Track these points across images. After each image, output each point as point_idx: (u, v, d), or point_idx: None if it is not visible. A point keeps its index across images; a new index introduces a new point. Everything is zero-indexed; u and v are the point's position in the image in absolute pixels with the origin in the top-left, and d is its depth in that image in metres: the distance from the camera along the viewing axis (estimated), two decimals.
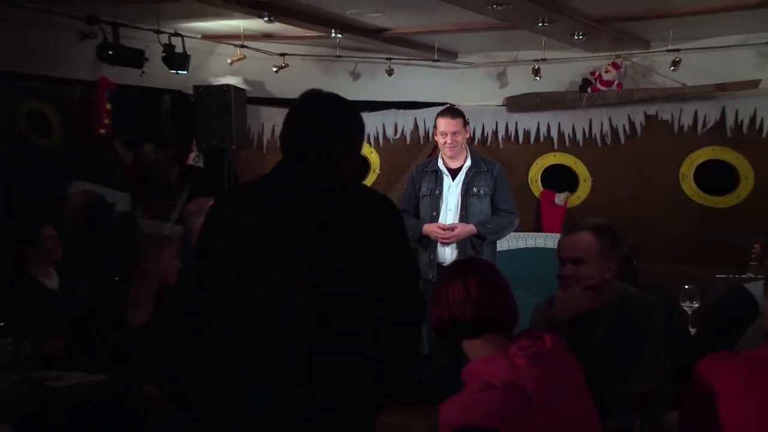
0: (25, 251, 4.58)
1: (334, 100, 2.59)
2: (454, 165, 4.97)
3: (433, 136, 6.52)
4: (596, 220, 3.12)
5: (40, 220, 4.83)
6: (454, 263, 2.51)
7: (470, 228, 4.83)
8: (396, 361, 2.57)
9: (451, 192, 4.97)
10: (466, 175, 4.94)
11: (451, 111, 5.00)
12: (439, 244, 4.90)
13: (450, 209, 4.95)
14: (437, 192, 4.97)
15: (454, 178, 4.97)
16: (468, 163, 4.96)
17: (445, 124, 4.90)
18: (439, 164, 5.01)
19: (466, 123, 4.98)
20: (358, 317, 2.41)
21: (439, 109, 6.45)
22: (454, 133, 4.88)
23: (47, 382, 3.48)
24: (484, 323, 2.27)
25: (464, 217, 4.91)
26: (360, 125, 2.58)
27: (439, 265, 4.88)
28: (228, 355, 2.48)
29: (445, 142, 4.91)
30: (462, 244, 4.87)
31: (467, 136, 5.03)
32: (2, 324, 3.48)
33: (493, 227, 4.90)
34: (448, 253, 4.90)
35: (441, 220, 4.93)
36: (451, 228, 4.84)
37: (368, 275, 2.40)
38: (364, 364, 2.44)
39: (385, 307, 2.41)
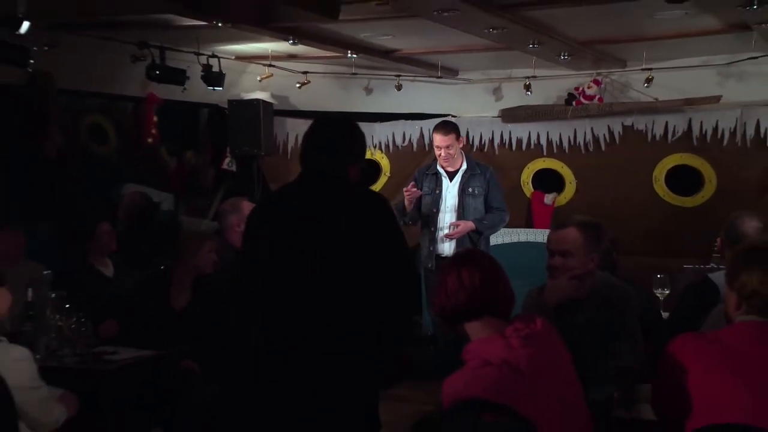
0: (86, 244, 4.62)
1: (341, 122, 2.93)
2: (451, 168, 5.02)
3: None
4: (582, 217, 3.12)
5: (98, 216, 4.87)
6: (453, 256, 2.51)
7: (470, 225, 4.90)
8: (394, 334, 2.73)
9: (449, 192, 5.01)
10: (463, 177, 4.99)
11: (444, 127, 4.99)
12: (438, 238, 4.94)
13: (448, 207, 5.00)
14: (437, 192, 5.01)
15: (451, 180, 5.01)
16: (464, 166, 5.01)
17: (438, 139, 4.96)
18: (438, 167, 5.05)
19: (458, 135, 5.00)
20: (361, 296, 2.64)
21: (441, 119, 6.56)
22: (447, 147, 4.92)
23: (105, 356, 3.53)
24: (477, 308, 2.27)
25: (461, 214, 4.96)
26: (362, 141, 2.86)
27: (438, 256, 4.93)
28: (262, 328, 2.74)
29: (440, 155, 4.97)
30: (460, 237, 4.93)
31: (461, 145, 5.05)
32: (68, 306, 3.51)
33: (488, 223, 4.99)
34: (446, 246, 4.95)
35: (441, 216, 4.98)
36: (456, 225, 4.92)
37: (369, 259, 2.63)
38: (366, 336, 2.65)
39: (384, 286, 2.64)
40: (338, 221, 2.64)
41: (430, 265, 4.95)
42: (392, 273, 2.67)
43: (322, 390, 2.63)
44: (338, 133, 2.81)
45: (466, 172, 5.00)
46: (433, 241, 4.99)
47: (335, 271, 2.62)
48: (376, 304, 2.64)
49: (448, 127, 5.01)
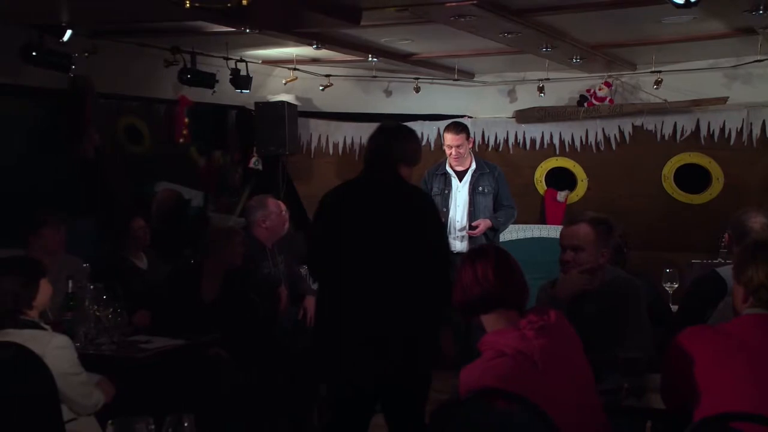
0: (121, 237, 4.67)
1: (398, 128, 3.35)
2: (460, 168, 4.97)
3: None
4: (594, 213, 3.11)
5: (132, 212, 4.92)
6: (468, 252, 2.50)
7: (488, 222, 4.91)
8: (436, 302, 3.04)
9: (459, 191, 4.97)
10: (472, 176, 4.96)
11: (456, 127, 4.96)
12: (451, 236, 4.88)
13: (459, 206, 4.97)
14: (447, 191, 4.97)
15: (461, 180, 4.98)
16: (473, 166, 4.98)
17: (450, 138, 4.93)
18: (446, 168, 5.01)
19: (468, 135, 4.99)
20: (404, 270, 3.00)
21: (453, 120, 6.54)
22: (458, 146, 4.90)
23: (140, 344, 3.57)
24: (492, 301, 2.28)
25: (472, 212, 4.94)
26: (415, 143, 3.30)
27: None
28: (328, 299, 3.17)
29: (450, 154, 4.94)
30: (470, 236, 4.93)
31: (470, 145, 5.02)
32: (105, 297, 3.55)
33: (502, 220, 5.00)
34: (458, 243, 4.92)
35: (451, 215, 4.96)
36: (476, 225, 4.92)
37: (413, 242, 3.03)
38: (414, 306, 3.01)
39: (424, 266, 3.03)
40: (389, 211, 3.08)
41: None
42: (431, 255, 3.07)
43: (378, 341, 3.01)
44: (392, 137, 3.23)
45: (475, 171, 4.97)
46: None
47: (384, 249, 3.02)
48: (416, 280, 3.01)
49: (458, 126, 4.99)
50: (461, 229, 4.99)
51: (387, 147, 3.17)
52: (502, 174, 5.04)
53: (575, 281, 2.91)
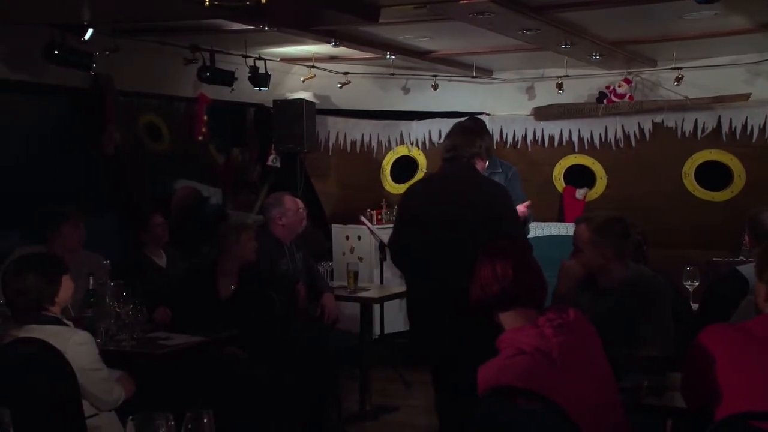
0: (140, 234, 4.70)
1: (473, 125, 3.73)
2: None
3: None
4: (602, 214, 3.15)
5: (151, 209, 4.95)
6: (487, 249, 2.42)
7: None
8: None
9: None
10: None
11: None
12: None
13: None
14: None
15: None
16: (486, 165, 4.82)
17: None
18: None
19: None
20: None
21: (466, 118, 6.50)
22: None
23: (159, 341, 3.59)
24: (510, 298, 2.28)
25: None
26: (488, 140, 3.64)
27: None
28: (411, 280, 3.53)
29: None
30: None
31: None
32: (125, 294, 3.58)
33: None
34: None
35: None
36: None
37: (488, 227, 3.29)
38: None
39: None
40: (465, 199, 3.42)
41: None
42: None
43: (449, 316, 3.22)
44: (468, 133, 3.57)
45: (486, 171, 4.82)
46: None
47: (459, 233, 3.32)
48: None
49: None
50: None
51: (464, 143, 3.52)
52: (516, 174, 4.76)
53: (569, 273, 2.92)
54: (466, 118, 4.22)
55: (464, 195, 3.43)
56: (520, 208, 4.71)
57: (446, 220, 3.38)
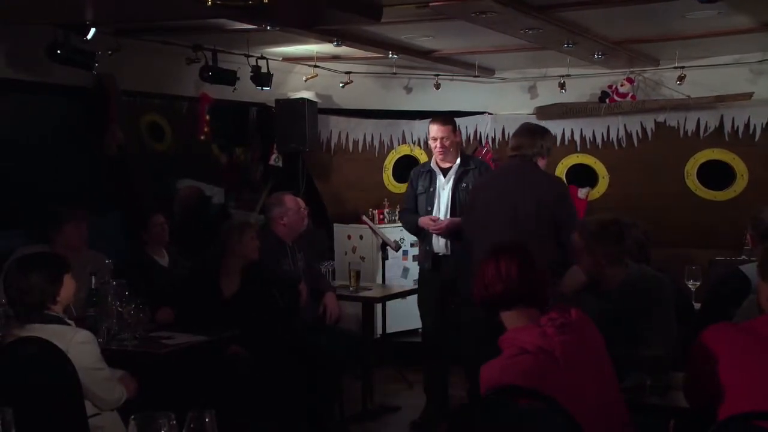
0: (141, 234, 4.69)
1: (536, 128, 4.29)
2: (445, 165, 4.66)
3: (471, 139, 6.53)
4: (595, 219, 3.16)
5: (152, 209, 4.94)
6: (493, 248, 2.44)
7: (457, 221, 4.50)
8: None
9: (443, 189, 4.65)
10: (456, 173, 4.63)
11: (442, 119, 4.71)
12: (433, 236, 4.61)
13: (442, 204, 4.64)
14: (431, 189, 4.66)
15: (445, 176, 4.66)
16: (457, 162, 4.65)
17: (434, 130, 4.63)
18: (432, 165, 4.71)
19: (455, 128, 4.69)
20: (535, 238, 3.67)
21: (479, 117, 6.50)
22: (442, 138, 4.58)
23: (162, 340, 3.60)
24: (513, 297, 2.28)
25: (455, 209, 4.59)
26: (549, 141, 4.21)
27: (435, 255, 4.63)
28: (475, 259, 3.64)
29: (435, 146, 4.63)
30: (455, 236, 4.53)
31: (457, 140, 4.71)
32: (127, 293, 3.58)
33: None
34: (441, 245, 4.62)
35: (434, 213, 4.64)
36: (434, 219, 4.57)
37: (543, 216, 3.90)
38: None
39: (551, 232, 3.89)
40: (525, 192, 3.96)
41: (426, 266, 4.68)
42: (555, 226, 3.89)
43: None
44: (530, 134, 4.14)
45: (459, 167, 4.63)
46: (429, 240, 4.64)
47: (517, 220, 3.86)
48: (539, 246, 3.27)
49: (446, 119, 4.73)
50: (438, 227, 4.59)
51: (528, 143, 4.08)
52: (489, 169, 4.76)
53: (576, 277, 2.92)
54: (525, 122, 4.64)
55: (524, 187, 4.02)
56: (452, 221, 4.55)
57: (508, 208, 3.97)
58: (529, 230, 3.84)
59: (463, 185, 4.63)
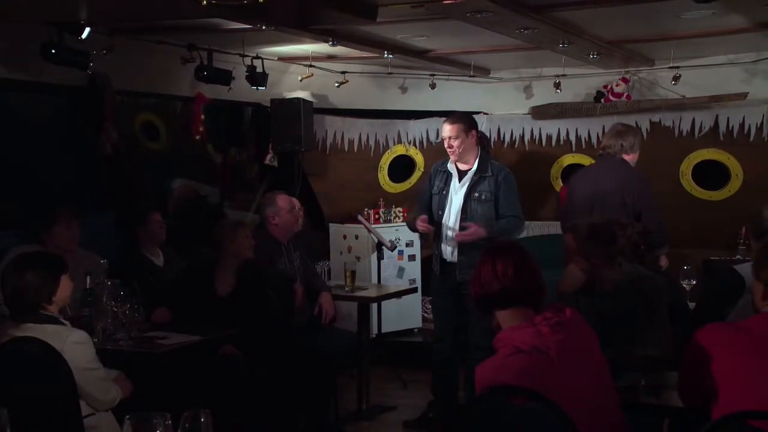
0: (138, 233, 4.68)
1: (621, 127, 4.77)
2: (463, 167, 4.41)
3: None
4: (587, 221, 3.17)
5: (149, 208, 4.93)
6: (489, 248, 2.43)
7: (481, 232, 4.24)
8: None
9: (456, 194, 4.40)
10: (471, 179, 4.37)
11: (452, 117, 4.47)
12: (442, 243, 4.40)
13: (453, 209, 4.39)
14: (444, 192, 4.42)
15: (460, 180, 4.40)
16: (474, 167, 4.38)
17: (443, 129, 4.44)
18: (448, 165, 4.45)
19: (468, 129, 4.38)
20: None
21: (474, 117, 6.49)
22: (449, 138, 4.35)
23: (157, 340, 3.59)
24: (509, 297, 2.28)
25: (464, 220, 4.33)
26: (635, 138, 4.70)
27: (443, 261, 4.43)
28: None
29: (446, 146, 4.41)
30: (460, 247, 4.34)
31: (472, 140, 4.39)
32: (122, 293, 3.57)
33: (502, 226, 4.35)
34: (448, 251, 4.40)
35: (444, 219, 4.40)
36: (467, 226, 4.30)
37: (623, 206, 4.41)
38: None
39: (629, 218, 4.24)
40: (611, 185, 4.48)
41: (436, 270, 4.49)
42: (634, 216, 4.34)
43: None
44: (612, 133, 4.69)
45: (475, 174, 4.36)
46: (438, 245, 4.44)
47: (608, 213, 4.00)
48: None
49: (455, 118, 4.45)
50: (452, 236, 4.36)
51: (610, 143, 4.62)
52: (509, 178, 4.39)
53: (575, 276, 2.92)
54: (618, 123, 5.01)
55: (610, 180, 4.51)
56: (475, 229, 4.24)
57: (597, 198, 4.47)
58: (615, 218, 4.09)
59: (476, 194, 4.35)
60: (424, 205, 4.56)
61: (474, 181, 4.39)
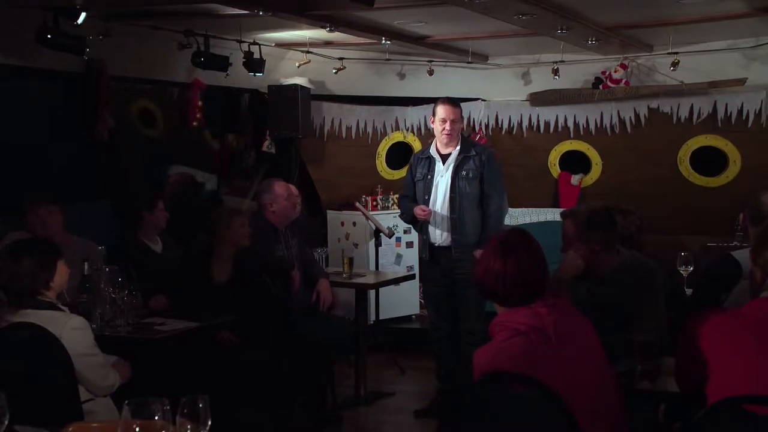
0: (138, 221, 4.66)
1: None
2: (445, 151, 4.48)
3: (464, 125, 6.49)
4: (586, 206, 3.17)
5: (155, 194, 4.91)
6: (503, 239, 2.34)
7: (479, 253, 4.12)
8: None
9: (442, 176, 4.47)
10: (456, 159, 4.43)
11: (453, 100, 4.52)
12: (430, 227, 4.47)
13: (440, 192, 4.47)
14: (429, 177, 4.49)
15: (444, 163, 4.47)
16: (458, 148, 4.45)
17: (446, 111, 4.40)
18: (431, 151, 4.52)
19: (462, 114, 4.55)
20: None
21: (472, 104, 6.50)
22: (453, 120, 4.39)
23: (155, 326, 3.61)
24: (513, 300, 2.24)
25: (453, 198, 4.42)
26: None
27: (431, 246, 4.50)
28: None
29: (444, 129, 4.40)
30: (452, 227, 4.42)
31: (462, 126, 4.60)
32: (120, 279, 3.58)
33: (487, 234, 4.30)
34: (437, 235, 4.48)
35: (431, 201, 4.47)
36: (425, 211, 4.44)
37: None
38: None
39: None
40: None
41: (424, 256, 4.58)
42: None
43: None
44: None
45: (459, 153, 4.43)
46: (426, 230, 4.51)
47: None
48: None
49: (456, 101, 4.53)
50: (442, 219, 4.44)
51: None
52: (492, 158, 4.49)
53: (575, 263, 2.92)
54: None
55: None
56: (417, 211, 4.40)
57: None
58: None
59: (463, 173, 4.43)
60: (411, 195, 4.64)
61: (459, 161, 4.46)
